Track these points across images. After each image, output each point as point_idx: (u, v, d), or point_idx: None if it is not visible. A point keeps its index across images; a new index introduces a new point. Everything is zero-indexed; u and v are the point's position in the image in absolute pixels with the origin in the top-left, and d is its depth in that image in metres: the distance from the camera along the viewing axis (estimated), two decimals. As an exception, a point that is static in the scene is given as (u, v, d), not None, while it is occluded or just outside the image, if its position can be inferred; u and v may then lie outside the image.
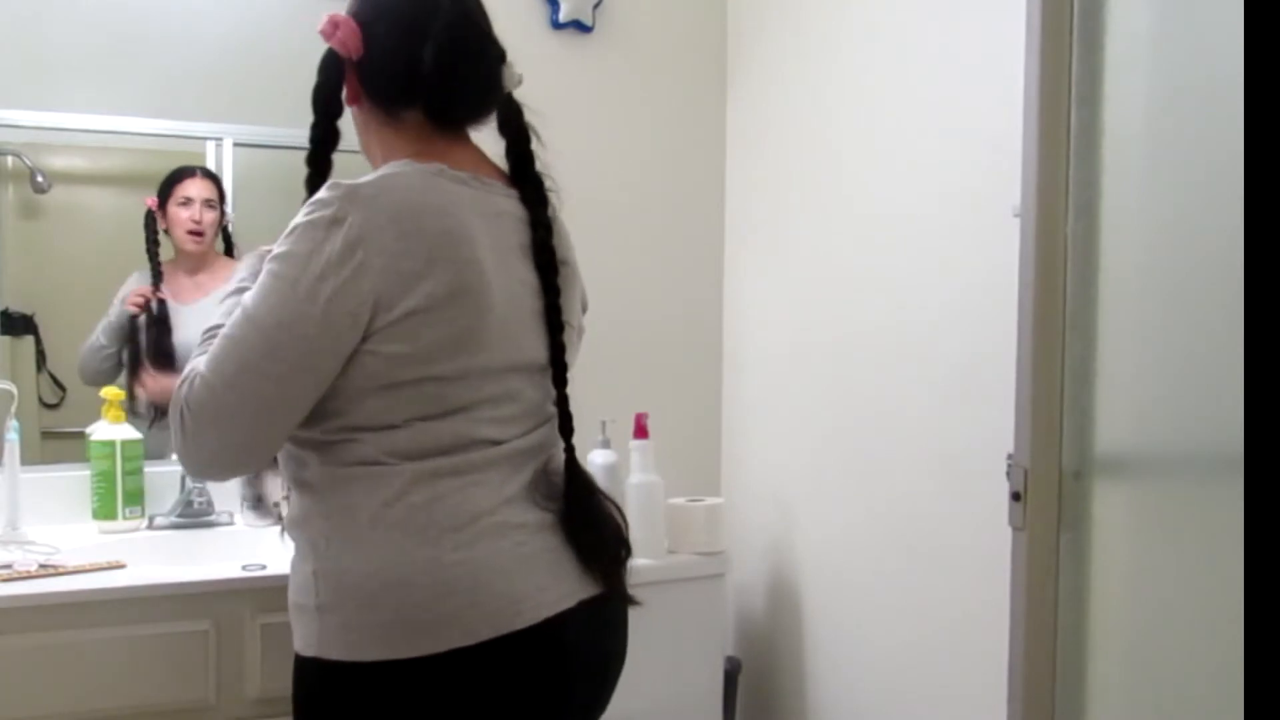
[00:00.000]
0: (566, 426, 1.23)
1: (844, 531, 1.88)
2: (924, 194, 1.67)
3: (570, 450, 1.23)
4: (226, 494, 1.83)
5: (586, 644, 1.18)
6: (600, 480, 1.94)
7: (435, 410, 1.09)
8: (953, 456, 1.61)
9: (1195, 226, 1.05)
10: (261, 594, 1.47)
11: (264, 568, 1.51)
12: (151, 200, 1.90)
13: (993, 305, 1.47)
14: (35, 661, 1.38)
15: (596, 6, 2.13)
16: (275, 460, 1.16)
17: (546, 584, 1.13)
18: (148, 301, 1.89)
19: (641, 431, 1.98)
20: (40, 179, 1.84)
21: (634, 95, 2.19)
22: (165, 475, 1.85)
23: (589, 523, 1.20)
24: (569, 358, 1.23)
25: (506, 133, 1.19)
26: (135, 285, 1.90)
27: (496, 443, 1.13)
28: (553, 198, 1.22)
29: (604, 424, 1.97)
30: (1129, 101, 1.11)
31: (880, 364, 1.78)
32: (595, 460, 1.96)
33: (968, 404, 1.56)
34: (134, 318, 1.89)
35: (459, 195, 1.10)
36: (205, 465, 1.12)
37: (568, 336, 1.22)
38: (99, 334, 1.88)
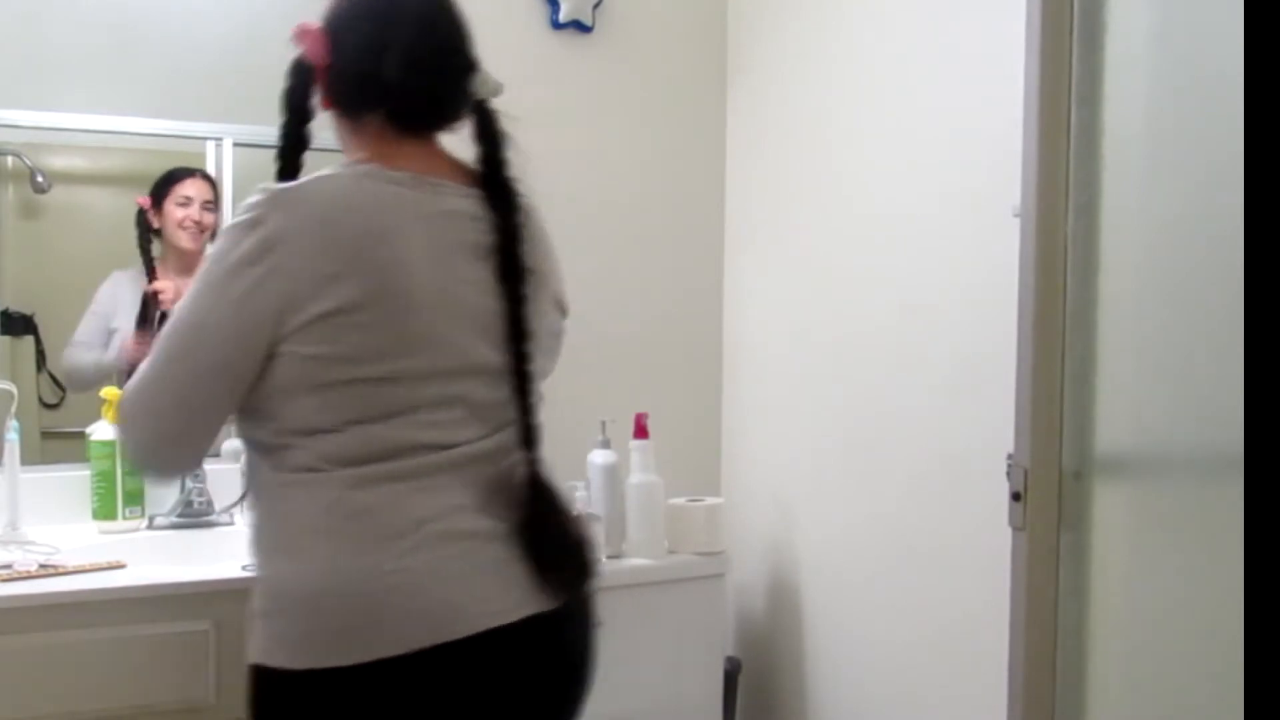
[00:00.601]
0: (529, 437, 1.18)
1: (844, 531, 1.88)
2: (924, 194, 1.67)
3: (533, 461, 1.18)
4: (227, 494, 1.83)
5: (536, 660, 1.14)
6: (600, 480, 1.96)
7: (372, 414, 1.09)
8: (953, 456, 1.61)
9: (1195, 226, 1.05)
10: (261, 594, 1.47)
11: (264, 568, 1.50)
12: (144, 199, 1.89)
13: (993, 305, 1.47)
14: (35, 661, 1.38)
15: (596, 6, 2.13)
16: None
17: (492, 595, 1.10)
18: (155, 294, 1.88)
19: (641, 431, 1.98)
20: (40, 179, 1.84)
21: (634, 95, 2.19)
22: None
23: (548, 536, 1.15)
24: (537, 365, 1.21)
25: (481, 140, 1.20)
26: (117, 282, 1.89)
27: (443, 447, 1.11)
28: (526, 204, 1.21)
29: (604, 424, 1.97)
30: (1129, 101, 1.11)
31: (880, 364, 1.78)
32: (595, 460, 1.96)
33: (968, 404, 1.56)
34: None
35: (390, 196, 1.11)
36: (138, 457, 1.16)
37: (534, 344, 1.19)
38: (95, 341, 1.87)
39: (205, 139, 1.92)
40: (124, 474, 1.77)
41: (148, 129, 1.89)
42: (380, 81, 1.14)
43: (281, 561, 1.10)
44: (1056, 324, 1.13)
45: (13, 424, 1.73)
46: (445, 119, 1.19)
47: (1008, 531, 1.17)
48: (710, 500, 2.03)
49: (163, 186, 1.91)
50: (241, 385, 1.08)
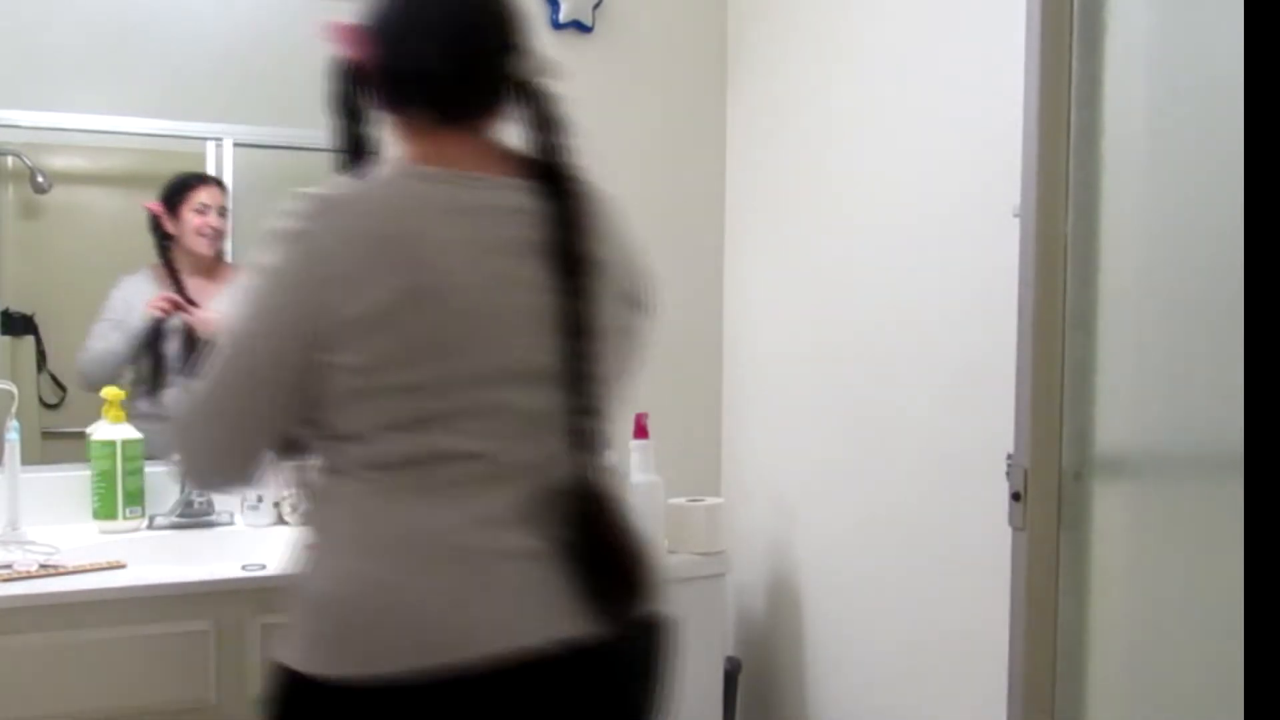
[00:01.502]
0: (584, 442, 1.08)
1: (844, 531, 1.88)
2: (924, 194, 1.67)
3: (589, 470, 1.08)
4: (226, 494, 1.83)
5: (564, 692, 1.04)
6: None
7: (402, 421, 1.03)
8: (953, 457, 1.61)
9: (1195, 226, 1.05)
10: (261, 594, 1.47)
11: (264, 568, 1.51)
12: (156, 205, 1.89)
13: (993, 305, 1.47)
14: (35, 661, 1.38)
15: (596, 6, 2.13)
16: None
17: (513, 617, 1.01)
18: (175, 305, 1.88)
19: (641, 431, 1.98)
20: (40, 179, 1.84)
21: (634, 95, 2.19)
22: (165, 475, 1.85)
23: (596, 554, 1.05)
24: (603, 365, 1.10)
25: (532, 126, 1.12)
26: (132, 289, 1.89)
27: (478, 457, 1.04)
28: (584, 191, 1.13)
29: (604, 424, 1.97)
30: (1129, 101, 1.11)
31: (880, 364, 1.78)
32: (595, 460, 1.96)
33: (968, 404, 1.56)
34: (158, 322, 1.88)
35: (425, 196, 1.05)
36: (190, 471, 1.13)
37: (596, 342, 1.09)
38: (114, 342, 1.87)
39: (205, 139, 1.92)
40: (124, 474, 1.77)
41: (148, 129, 1.89)
42: (410, 73, 1.10)
43: (308, 563, 1.07)
44: (1056, 324, 1.13)
45: (13, 424, 1.73)
46: (483, 105, 1.11)
47: (1008, 531, 1.17)
48: (710, 500, 2.03)
49: (178, 193, 1.90)
50: (285, 397, 1.05)
